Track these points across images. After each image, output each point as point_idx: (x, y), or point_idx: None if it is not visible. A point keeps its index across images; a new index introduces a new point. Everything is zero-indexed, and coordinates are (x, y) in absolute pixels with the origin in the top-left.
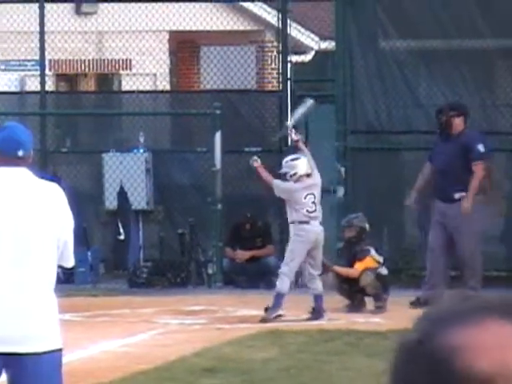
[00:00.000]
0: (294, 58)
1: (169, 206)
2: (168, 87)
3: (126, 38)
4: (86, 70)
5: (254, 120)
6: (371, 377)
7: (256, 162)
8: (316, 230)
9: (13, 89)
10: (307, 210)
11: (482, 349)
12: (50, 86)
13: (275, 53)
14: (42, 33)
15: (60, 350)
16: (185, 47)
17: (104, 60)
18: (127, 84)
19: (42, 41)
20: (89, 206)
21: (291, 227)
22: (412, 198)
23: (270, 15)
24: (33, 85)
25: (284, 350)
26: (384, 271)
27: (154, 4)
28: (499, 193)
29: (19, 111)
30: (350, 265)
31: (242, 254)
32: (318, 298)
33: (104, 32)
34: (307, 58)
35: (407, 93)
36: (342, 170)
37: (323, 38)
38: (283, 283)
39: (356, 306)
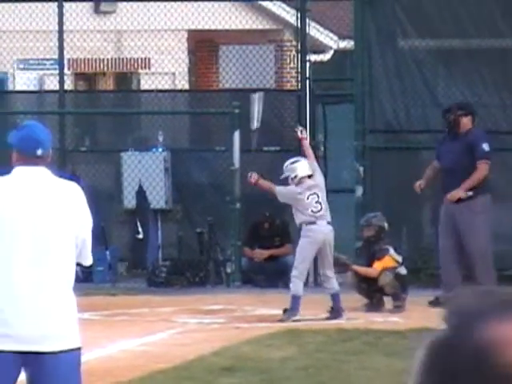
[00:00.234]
0: (313, 58)
1: (187, 205)
2: (187, 86)
3: (145, 37)
4: (105, 68)
5: (273, 119)
6: (390, 376)
7: (252, 179)
8: (323, 229)
9: (32, 88)
10: (312, 211)
11: None
12: (68, 85)
13: (294, 52)
14: (60, 32)
15: (79, 348)
16: (204, 46)
17: (123, 59)
18: (146, 83)
19: (60, 40)
20: (107, 205)
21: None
22: (418, 182)
23: (289, 14)
24: (52, 84)
25: (302, 350)
26: (403, 271)
27: (172, 3)
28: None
29: (38, 110)
30: (369, 264)
31: (261, 254)
32: (335, 297)
33: (123, 31)
34: (326, 57)
35: (426, 92)
36: (361, 169)
37: (342, 37)
38: (296, 286)
39: (375, 305)
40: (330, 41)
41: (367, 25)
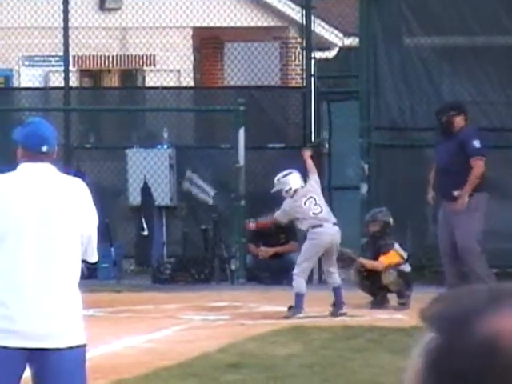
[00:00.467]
0: (318, 55)
1: (192, 202)
2: (192, 83)
3: (150, 34)
4: (110, 65)
5: (278, 116)
6: (394, 373)
7: (251, 227)
8: (330, 231)
9: (37, 84)
10: (313, 213)
11: None
12: (73, 81)
13: (299, 49)
14: (66, 28)
15: (84, 345)
16: (209, 43)
17: (128, 56)
18: (151, 80)
19: (66, 37)
20: (112, 202)
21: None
22: (429, 195)
23: (294, 11)
24: (57, 80)
25: (307, 347)
26: (407, 268)
27: (177, 0)
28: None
29: (43, 107)
30: (375, 259)
31: (266, 251)
32: (337, 291)
33: (128, 28)
34: (331, 54)
35: (431, 89)
36: (366, 166)
37: (347, 34)
38: (298, 283)
39: (378, 302)
40: (335, 38)
41: (372, 22)
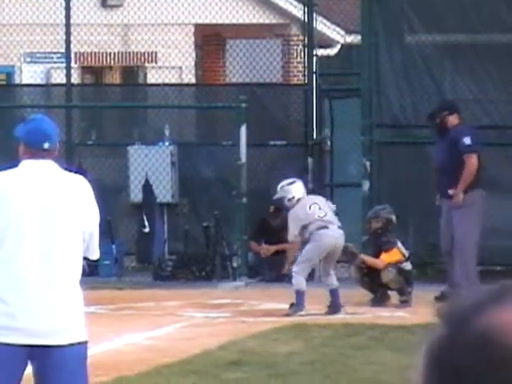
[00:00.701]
0: (320, 52)
1: (194, 199)
2: (193, 80)
3: (152, 31)
4: (112, 62)
5: (279, 113)
6: (395, 371)
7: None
8: (334, 234)
9: (39, 81)
10: (319, 216)
11: None
12: (75, 78)
13: (301, 46)
14: (67, 25)
15: (85, 342)
16: (210, 40)
17: (129, 53)
18: (153, 77)
19: (67, 33)
20: (114, 199)
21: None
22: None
23: (296, 9)
24: (58, 77)
25: (308, 344)
26: (407, 266)
27: None
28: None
29: (45, 104)
30: (376, 256)
31: (267, 249)
32: (334, 293)
33: (130, 25)
34: (333, 51)
35: (432, 87)
36: (368, 163)
37: (349, 31)
38: (298, 281)
39: (379, 299)
40: (336, 35)
41: (374, 19)
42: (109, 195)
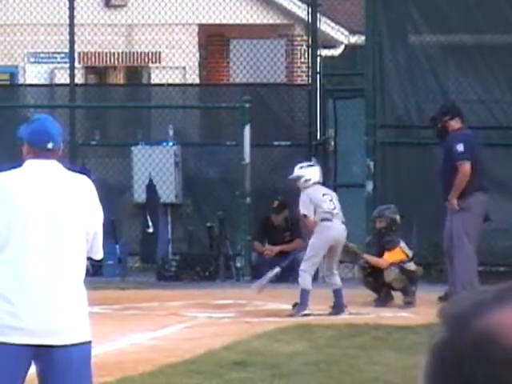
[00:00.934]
0: (324, 52)
1: (197, 199)
2: (197, 80)
3: (156, 31)
4: (116, 62)
5: (283, 114)
6: (399, 371)
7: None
8: (337, 227)
9: (42, 81)
10: (328, 207)
11: None
12: (79, 78)
13: (305, 47)
14: (71, 25)
15: (89, 342)
16: (214, 40)
17: (133, 53)
18: (156, 77)
19: (71, 33)
20: (118, 199)
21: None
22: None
23: (300, 9)
24: (62, 77)
25: (312, 344)
26: (411, 266)
27: None
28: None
29: (49, 104)
30: (380, 256)
31: (271, 249)
32: (337, 293)
33: (134, 25)
34: (337, 51)
35: (436, 87)
36: (371, 164)
37: (353, 32)
38: (304, 280)
39: (382, 299)
40: (340, 35)
41: (378, 20)
42: (112, 195)
